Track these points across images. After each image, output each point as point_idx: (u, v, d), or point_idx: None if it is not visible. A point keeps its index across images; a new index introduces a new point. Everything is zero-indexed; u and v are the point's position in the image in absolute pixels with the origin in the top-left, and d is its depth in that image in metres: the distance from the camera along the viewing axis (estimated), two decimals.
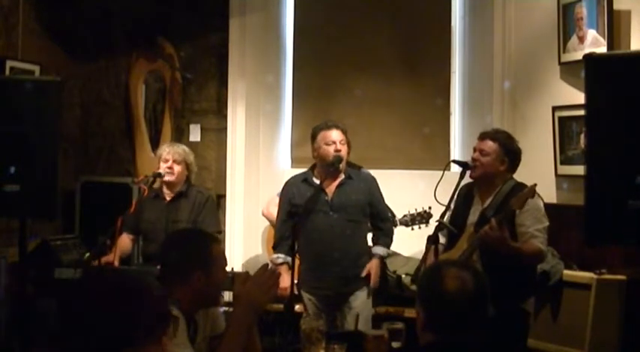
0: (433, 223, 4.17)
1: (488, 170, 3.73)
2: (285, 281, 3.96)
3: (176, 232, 3.44)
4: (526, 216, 3.61)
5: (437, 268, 2.22)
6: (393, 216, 4.57)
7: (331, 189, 4.18)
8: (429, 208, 4.40)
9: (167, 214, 4.53)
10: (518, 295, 3.67)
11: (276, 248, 4.24)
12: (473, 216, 3.75)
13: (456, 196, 3.77)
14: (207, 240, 2.63)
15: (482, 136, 3.80)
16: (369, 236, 4.37)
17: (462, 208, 3.81)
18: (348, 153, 4.22)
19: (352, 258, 4.16)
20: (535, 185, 3.55)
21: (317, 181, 4.18)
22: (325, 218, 4.14)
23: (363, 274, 4.15)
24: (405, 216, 4.55)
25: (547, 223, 3.66)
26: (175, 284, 2.52)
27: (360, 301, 4.14)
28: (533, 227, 3.61)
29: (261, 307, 2.45)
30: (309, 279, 4.21)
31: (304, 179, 4.25)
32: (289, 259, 4.13)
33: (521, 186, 3.70)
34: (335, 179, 4.19)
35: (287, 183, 4.36)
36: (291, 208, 4.18)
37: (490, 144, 3.74)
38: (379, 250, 4.24)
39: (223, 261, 2.64)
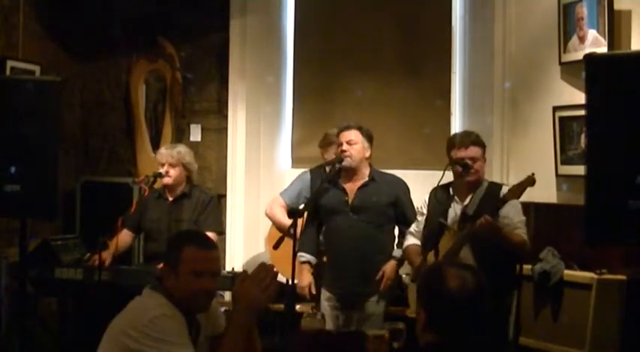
0: None
1: (482, 172, 3.84)
2: (304, 280, 4.12)
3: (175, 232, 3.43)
4: (509, 209, 3.68)
5: (437, 268, 2.23)
6: None
7: (353, 190, 4.18)
8: None
9: (170, 214, 4.54)
10: (506, 291, 3.79)
11: (301, 247, 4.26)
12: (454, 216, 3.79)
13: (428, 200, 3.84)
14: (182, 240, 2.56)
15: (465, 144, 3.81)
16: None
17: (440, 209, 3.84)
18: (370, 153, 4.21)
19: (369, 260, 4.15)
20: (533, 174, 3.57)
21: (342, 184, 4.20)
22: (345, 218, 4.15)
23: (378, 277, 4.13)
24: None
25: (524, 218, 3.77)
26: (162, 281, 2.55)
27: (374, 309, 4.14)
28: (517, 218, 3.71)
29: (261, 305, 2.43)
30: (329, 277, 4.24)
31: (328, 179, 4.26)
32: (312, 258, 4.24)
33: (495, 183, 3.87)
34: (357, 180, 4.19)
35: (312, 177, 4.46)
36: (306, 201, 4.23)
37: (476, 150, 3.81)
38: (396, 252, 4.20)
39: (195, 265, 2.47)
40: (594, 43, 4.33)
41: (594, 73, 3.15)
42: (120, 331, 2.42)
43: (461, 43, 5.46)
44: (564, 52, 4.57)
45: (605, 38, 4.25)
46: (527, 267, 4.26)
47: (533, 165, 4.08)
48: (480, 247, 3.61)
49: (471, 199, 3.77)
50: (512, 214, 3.69)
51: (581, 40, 4.45)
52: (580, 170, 3.89)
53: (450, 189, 3.86)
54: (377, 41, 5.57)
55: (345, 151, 4.13)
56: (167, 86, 5.67)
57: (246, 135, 5.55)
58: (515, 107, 4.98)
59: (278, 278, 2.45)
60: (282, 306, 4.08)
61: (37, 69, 5.19)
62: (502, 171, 4.90)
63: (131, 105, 5.73)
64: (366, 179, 4.20)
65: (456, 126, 5.45)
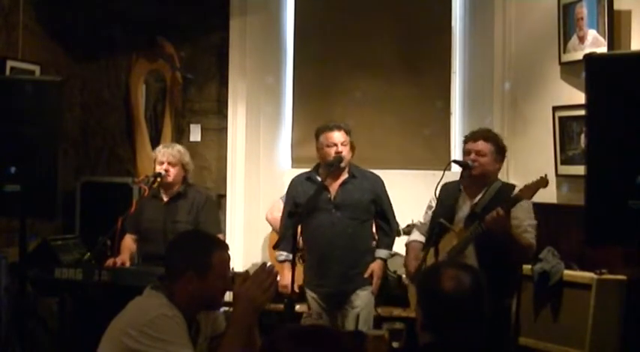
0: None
1: (487, 168, 3.77)
2: (285, 278, 4.02)
3: (183, 233, 3.37)
4: (520, 210, 3.65)
5: (435, 268, 2.24)
6: (397, 225, 4.57)
7: (334, 187, 4.19)
8: None
9: (166, 215, 4.52)
10: (506, 292, 3.77)
11: (279, 245, 4.22)
12: (462, 213, 3.76)
13: (438, 195, 3.75)
14: (210, 245, 2.58)
15: (474, 137, 3.81)
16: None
17: (449, 206, 3.80)
18: (352, 153, 4.23)
19: (354, 257, 4.17)
20: (546, 175, 3.52)
21: (320, 179, 4.20)
22: (328, 216, 4.16)
23: (366, 275, 4.16)
24: (408, 226, 4.57)
25: (536, 222, 3.71)
26: (174, 284, 2.52)
27: (361, 300, 4.15)
28: (527, 222, 3.67)
29: (261, 306, 2.44)
30: (313, 277, 4.24)
31: (308, 177, 4.28)
32: (291, 257, 4.17)
33: (507, 184, 3.80)
34: (338, 177, 4.20)
35: (292, 182, 4.40)
36: (295, 207, 4.20)
37: (485, 145, 3.77)
38: (381, 253, 4.25)
39: (224, 270, 2.56)
40: (594, 43, 4.33)
41: (594, 72, 3.14)
42: (120, 331, 2.43)
43: (461, 43, 5.47)
44: (564, 51, 4.57)
45: (605, 38, 4.26)
46: (527, 267, 4.27)
47: (532, 165, 4.09)
48: (484, 247, 3.59)
49: (481, 197, 3.75)
50: (522, 216, 3.65)
51: (581, 40, 4.45)
52: (580, 170, 3.89)
53: (461, 186, 3.84)
54: (377, 41, 5.57)
55: (341, 152, 4.14)
56: (167, 86, 5.68)
57: (246, 135, 5.55)
58: (515, 107, 4.99)
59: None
60: (282, 306, 4.08)
61: (37, 69, 5.19)
62: (502, 171, 4.88)
63: (131, 105, 5.73)
64: (347, 176, 4.21)
65: (456, 126, 5.46)
